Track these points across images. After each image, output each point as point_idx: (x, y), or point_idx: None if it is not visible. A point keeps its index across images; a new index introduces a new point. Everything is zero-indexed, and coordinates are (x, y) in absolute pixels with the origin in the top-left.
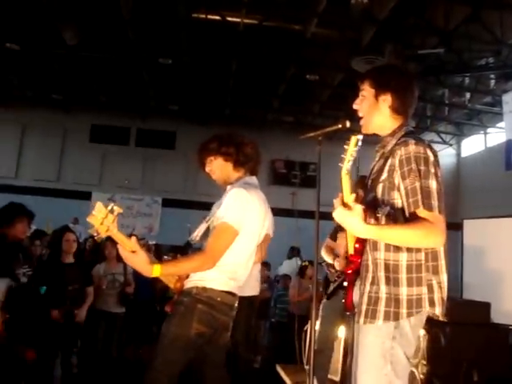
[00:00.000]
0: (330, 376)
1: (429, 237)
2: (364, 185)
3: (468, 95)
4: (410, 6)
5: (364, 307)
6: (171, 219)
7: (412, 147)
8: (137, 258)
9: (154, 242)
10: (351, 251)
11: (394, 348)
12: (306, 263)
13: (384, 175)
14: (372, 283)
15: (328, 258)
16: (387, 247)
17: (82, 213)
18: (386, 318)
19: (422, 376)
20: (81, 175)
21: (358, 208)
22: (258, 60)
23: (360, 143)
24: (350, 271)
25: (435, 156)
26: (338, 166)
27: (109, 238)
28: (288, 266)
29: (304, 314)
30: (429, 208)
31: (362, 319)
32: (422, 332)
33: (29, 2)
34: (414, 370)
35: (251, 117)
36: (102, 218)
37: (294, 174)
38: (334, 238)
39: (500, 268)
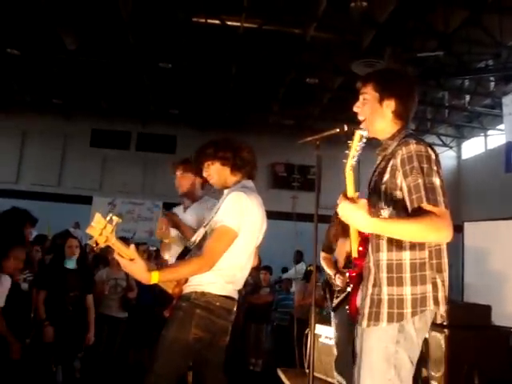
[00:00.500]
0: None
1: (435, 230)
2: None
3: (468, 98)
4: (410, 9)
5: (367, 310)
6: None
7: (413, 146)
8: (135, 266)
9: (154, 248)
10: (355, 254)
11: (399, 352)
12: (311, 268)
13: (386, 176)
14: (374, 285)
15: (329, 270)
16: (389, 247)
17: (83, 217)
18: (390, 319)
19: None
20: (81, 180)
21: (363, 202)
22: (258, 64)
23: (364, 139)
24: (354, 274)
25: (436, 155)
26: (338, 169)
27: None
28: (296, 271)
29: (304, 318)
30: (434, 203)
31: (365, 322)
32: (427, 335)
33: (29, 7)
34: None
35: (251, 120)
36: (101, 229)
37: (294, 178)
38: (328, 250)
39: (501, 270)
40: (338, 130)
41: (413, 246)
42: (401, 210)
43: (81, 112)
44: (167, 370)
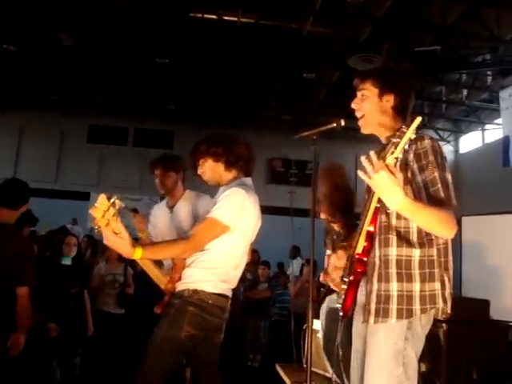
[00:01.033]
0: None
1: (449, 224)
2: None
3: (465, 92)
4: (407, 3)
5: (373, 306)
6: None
7: (428, 141)
8: (120, 240)
9: None
10: (359, 250)
11: (407, 349)
12: (305, 263)
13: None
14: (379, 280)
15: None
16: (399, 243)
17: (81, 213)
18: (399, 315)
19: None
20: (79, 176)
21: (401, 176)
22: (255, 59)
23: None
24: (359, 270)
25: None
26: None
27: None
28: (296, 266)
29: (301, 313)
30: (449, 198)
31: (372, 318)
32: None
33: (25, 3)
34: None
35: (249, 116)
36: (104, 211)
37: (292, 173)
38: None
39: (499, 264)
40: (334, 124)
41: (422, 244)
42: None
43: (78, 108)
44: (158, 367)
